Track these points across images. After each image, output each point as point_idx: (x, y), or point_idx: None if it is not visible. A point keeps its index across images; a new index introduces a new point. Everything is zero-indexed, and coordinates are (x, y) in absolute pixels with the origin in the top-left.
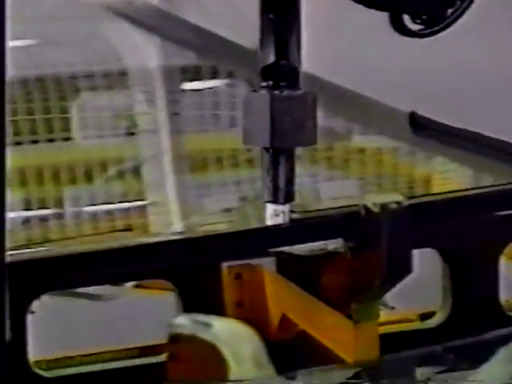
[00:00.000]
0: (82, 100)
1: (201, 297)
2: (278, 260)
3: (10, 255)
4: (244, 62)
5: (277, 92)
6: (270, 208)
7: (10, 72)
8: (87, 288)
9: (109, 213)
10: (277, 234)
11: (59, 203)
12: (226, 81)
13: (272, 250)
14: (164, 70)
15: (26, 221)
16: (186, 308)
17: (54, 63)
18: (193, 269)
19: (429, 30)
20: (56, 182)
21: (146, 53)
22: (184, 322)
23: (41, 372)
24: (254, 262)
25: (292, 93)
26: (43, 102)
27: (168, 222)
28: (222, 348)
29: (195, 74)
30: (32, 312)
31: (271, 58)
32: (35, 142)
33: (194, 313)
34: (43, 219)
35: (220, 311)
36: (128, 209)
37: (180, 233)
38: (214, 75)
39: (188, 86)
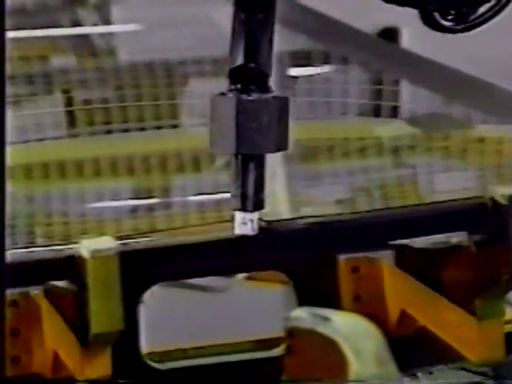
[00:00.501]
0: (190, 86)
1: (316, 290)
2: (397, 253)
3: (121, 244)
4: (359, 46)
5: (244, 95)
6: (239, 216)
7: (122, 57)
8: (198, 279)
9: (216, 203)
10: (398, 225)
11: (166, 192)
12: (338, 66)
13: (391, 242)
14: (274, 56)
15: (134, 210)
16: (300, 301)
17: (163, 48)
18: (308, 261)
19: (461, 26)
20: (163, 171)
21: None
22: (302, 316)
23: (153, 364)
24: (372, 255)
25: (260, 96)
26: (152, 88)
27: (277, 213)
28: (341, 343)
29: (306, 60)
30: (143, 303)
31: (239, 60)
32: (143, 129)
33: (309, 306)
34: (150, 208)
35: (336, 305)
36: None
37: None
38: (326, 61)
39: (299, 71)
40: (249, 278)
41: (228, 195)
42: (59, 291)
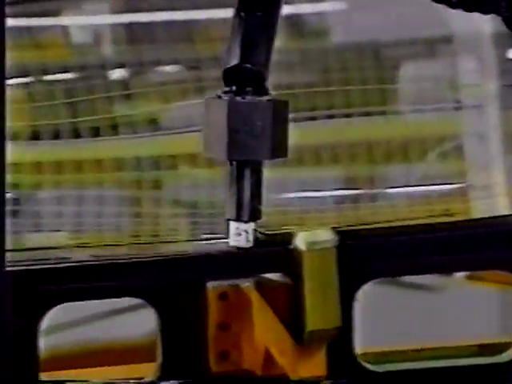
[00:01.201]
0: (401, 70)
1: None
2: None
3: (338, 237)
4: None
5: (238, 98)
6: (233, 226)
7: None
8: (414, 277)
9: (426, 195)
10: None
11: (371, 182)
12: None
13: None
14: (497, 36)
15: (338, 201)
16: None
17: (369, 29)
18: None
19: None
20: (370, 160)
21: (476, 16)
22: None
23: (368, 365)
24: None
25: (254, 99)
26: (359, 72)
27: (493, 207)
28: None
29: None
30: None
31: (234, 60)
32: (348, 115)
33: None
34: (355, 200)
35: None
36: (447, 192)
37: None
38: None
39: None
40: (469, 278)
41: (438, 188)
42: (271, 284)
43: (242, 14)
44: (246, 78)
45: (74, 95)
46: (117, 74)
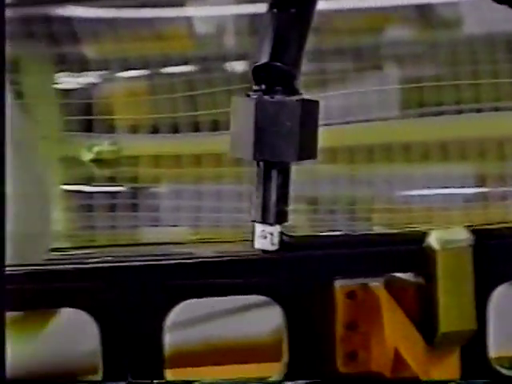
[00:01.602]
0: None
1: None
2: None
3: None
4: None
5: (266, 97)
6: (259, 228)
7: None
8: None
9: None
10: None
11: (501, 180)
12: None
13: None
14: None
15: (470, 199)
16: None
17: (502, 19)
18: None
19: None
20: (500, 158)
21: None
22: None
23: (503, 370)
24: None
25: (283, 98)
26: (491, 65)
27: None
28: None
29: None
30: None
31: (264, 58)
32: (478, 110)
33: None
34: (484, 198)
35: None
36: None
37: None
38: None
39: None
40: None
41: None
42: (400, 283)
43: (275, 9)
44: (275, 76)
45: (193, 88)
46: (238, 66)
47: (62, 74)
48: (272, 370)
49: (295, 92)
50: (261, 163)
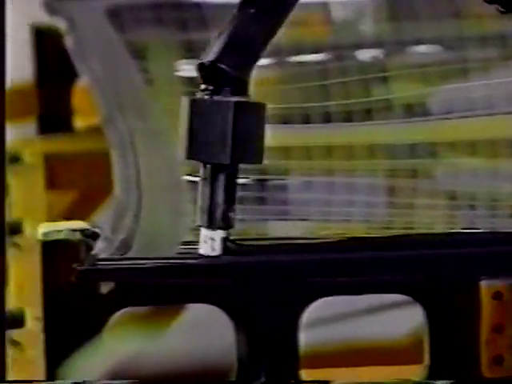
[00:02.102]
0: None
1: None
2: None
3: None
4: None
5: (202, 97)
6: (203, 233)
7: None
8: None
9: None
10: None
11: None
12: None
13: None
14: None
15: None
16: None
17: None
18: None
19: None
20: None
21: None
22: None
23: None
24: None
25: (218, 99)
26: None
27: None
28: None
29: None
30: None
31: (210, 57)
32: None
33: None
34: None
35: None
36: None
37: None
38: None
39: None
40: None
41: None
42: None
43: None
44: (218, 76)
45: (327, 77)
46: (373, 53)
47: (190, 61)
48: (412, 372)
49: (242, 93)
50: (207, 166)
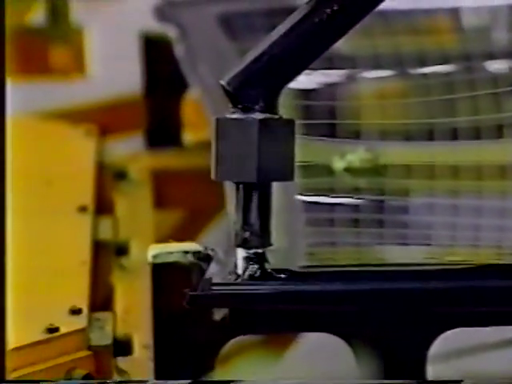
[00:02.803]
0: None
1: None
2: None
3: None
4: None
5: (228, 115)
6: (240, 254)
7: None
8: None
9: None
10: None
11: None
12: None
13: None
14: None
15: None
16: None
17: None
18: None
19: None
20: None
21: None
22: None
23: None
24: None
25: (243, 117)
26: None
27: None
28: None
29: None
30: None
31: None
32: None
33: None
34: None
35: None
36: None
37: None
38: None
39: None
40: None
41: None
42: None
43: None
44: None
45: (454, 90)
46: (506, 64)
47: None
48: None
49: (269, 111)
50: (240, 186)
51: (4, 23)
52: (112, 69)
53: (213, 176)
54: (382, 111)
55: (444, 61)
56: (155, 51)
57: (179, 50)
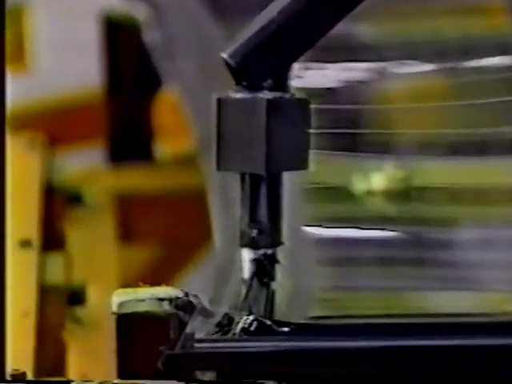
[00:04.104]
0: None
1: None
2: None
3: None
4: None
5: (231, 94)
6: (246, 254)
7: None
8: None
9: None
10: None
11: None
12: None
13: None
14: None
15: None
16: None
17: None
18: None
19: None
20: None
21: None
22: None
23: None
24: None
25: (249, 96)
26: None
27: None
28: None
29: None
30: None
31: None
32: None
33: None
34: None
35: None
36: None
37: None
38: None
39: None
40: None
41: None
42: None
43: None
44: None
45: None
46: None
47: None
48: None
49: (279, 89)
50: (245, 176)
51: (4, 23)
52: (63, 59)
53: (214, 167)
54: (418, 117)
55: (500, 51)
56: (120, 38)
57: (151, 37)
